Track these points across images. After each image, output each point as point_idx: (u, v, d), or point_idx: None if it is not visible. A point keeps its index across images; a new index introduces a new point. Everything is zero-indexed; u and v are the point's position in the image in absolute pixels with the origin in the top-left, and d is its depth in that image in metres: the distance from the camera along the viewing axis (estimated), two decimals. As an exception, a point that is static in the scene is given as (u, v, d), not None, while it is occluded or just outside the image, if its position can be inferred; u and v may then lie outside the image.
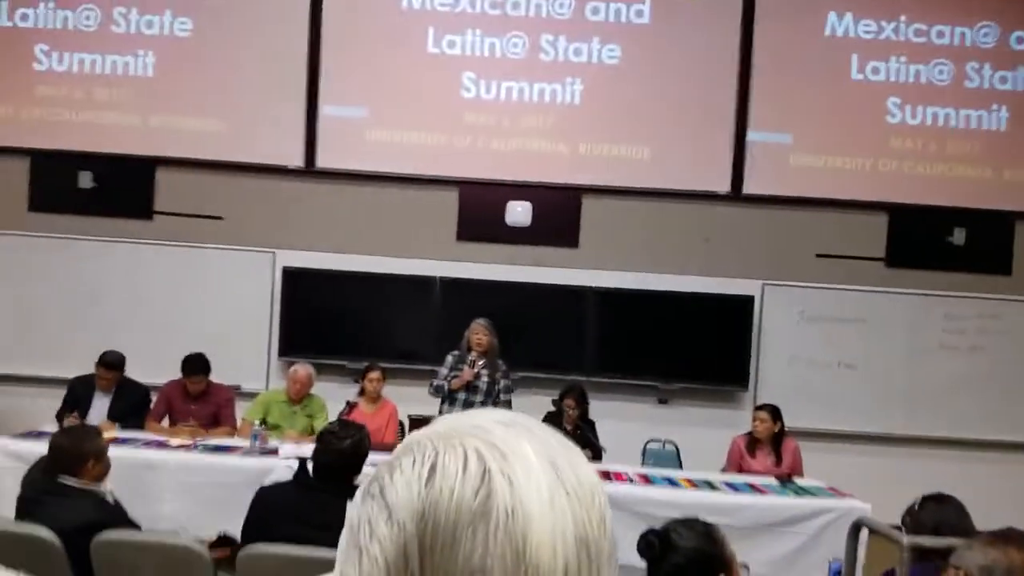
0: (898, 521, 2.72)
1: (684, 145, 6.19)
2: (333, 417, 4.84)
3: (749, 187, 6.20)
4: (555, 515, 0.50)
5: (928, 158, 6.25)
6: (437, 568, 0.48)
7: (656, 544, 1.78)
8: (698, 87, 6.20)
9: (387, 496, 0.51)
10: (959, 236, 6.23)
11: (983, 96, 6.26)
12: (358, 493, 0.54)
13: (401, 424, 5.10)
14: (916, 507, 2.65)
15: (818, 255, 6.23)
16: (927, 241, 6.24)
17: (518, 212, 6.21)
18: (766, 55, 6.18)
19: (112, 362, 4.94)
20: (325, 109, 6.22)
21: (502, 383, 5.00)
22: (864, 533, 2.98)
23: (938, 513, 2.60)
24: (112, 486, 3.08)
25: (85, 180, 6.22)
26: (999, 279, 6.22)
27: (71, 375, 5.11)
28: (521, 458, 0.51)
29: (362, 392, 5.09)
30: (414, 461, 0.52)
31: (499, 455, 0.51)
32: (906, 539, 2.38)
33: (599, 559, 0.51)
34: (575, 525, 0.50)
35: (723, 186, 6.21)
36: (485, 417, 0.55)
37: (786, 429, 4.96)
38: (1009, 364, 6.12)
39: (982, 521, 2.94)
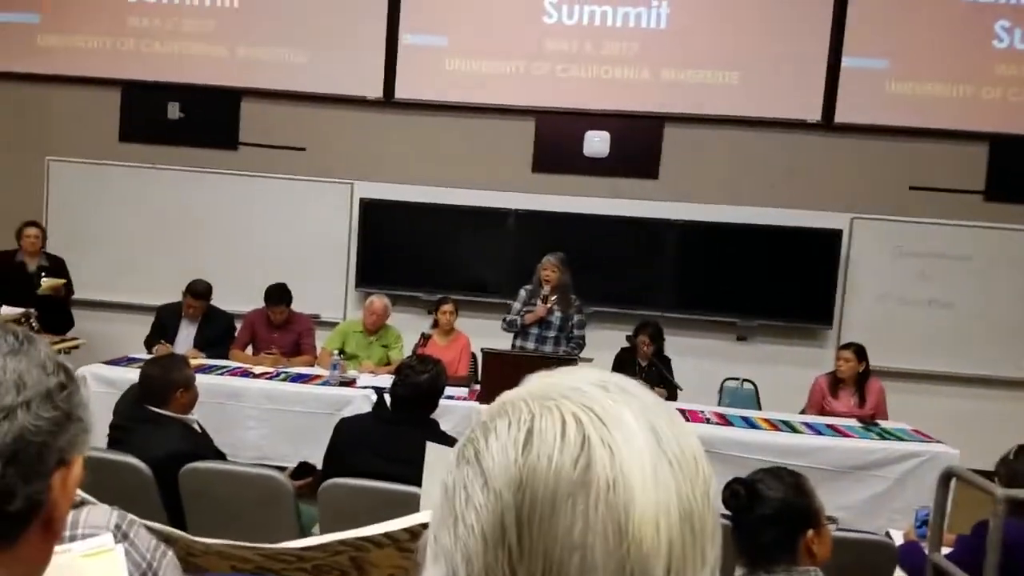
0: (987, 468, 2.64)
1: (774, 71, 5.92)
2: (408, 348, 4.95)
3: (841, 115, 5.92)
4: (658, 487, 0.47)
5: (1037, 85, 5.84)
6: (536, 542, 0.47)
7: (743, 494, 1.75)
8: (791, 8, 5.90)
9: (483, 462, 0.49)
10: (1065, 168, 5.85)
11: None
12: (452, 455, 0.52)
13: (474, 357, 5.16)
14: (1011, 456, 2.57)
15: (912, 187, 5.96)
16: (1031, 174, 5.89)
17: (596, 142, 6.09)
18: (865, -27, 5.82)
19: (200, 291, 5.07)
20: (405, 38, 6.17)
21: (575, 318, 4.97)
22: (954, 482, 2.89)
23: (1035, 463, 2.50)
24: (198, 414, 3.15)
25: (174, 111, 6.38)
26: (1107, 213, 5.85)
27: (158, 302, 5.31)
28: (621, 425, 0.49)
29: (436, 324, 5.15)
30: (509, 424, 0.50)
31: (598, 421, 0.49)
32: (1000, 491, 2.28)
33: (703, 534, 0.49)
34: (679, 498, 0.48)
35: (814, 114, 5.94)
36: (581, 377, 0.52)
37: (871, 369, 4.83)
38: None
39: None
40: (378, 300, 5.16)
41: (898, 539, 3.13)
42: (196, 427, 3.11)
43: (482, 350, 4.61)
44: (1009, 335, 5.87)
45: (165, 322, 5.14)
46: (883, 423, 4.62)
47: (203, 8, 6.32)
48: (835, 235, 5.90)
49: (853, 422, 4.58)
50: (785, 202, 5.96)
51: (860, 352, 4.75)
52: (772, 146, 6.02)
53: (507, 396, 0.53)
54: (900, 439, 4.33)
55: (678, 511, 0.48)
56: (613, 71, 6.04)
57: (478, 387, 4.62)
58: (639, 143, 6.09)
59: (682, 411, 4.53)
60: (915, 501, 3.71)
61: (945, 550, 2.64)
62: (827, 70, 5.89)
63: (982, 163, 5.95)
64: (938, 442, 4.32)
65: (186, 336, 5.11)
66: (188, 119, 6.38)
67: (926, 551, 2.69)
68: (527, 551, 0.47)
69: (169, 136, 6.39)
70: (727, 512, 1.77)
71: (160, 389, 2.96)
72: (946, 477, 2.73)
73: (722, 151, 6.05)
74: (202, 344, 5.06)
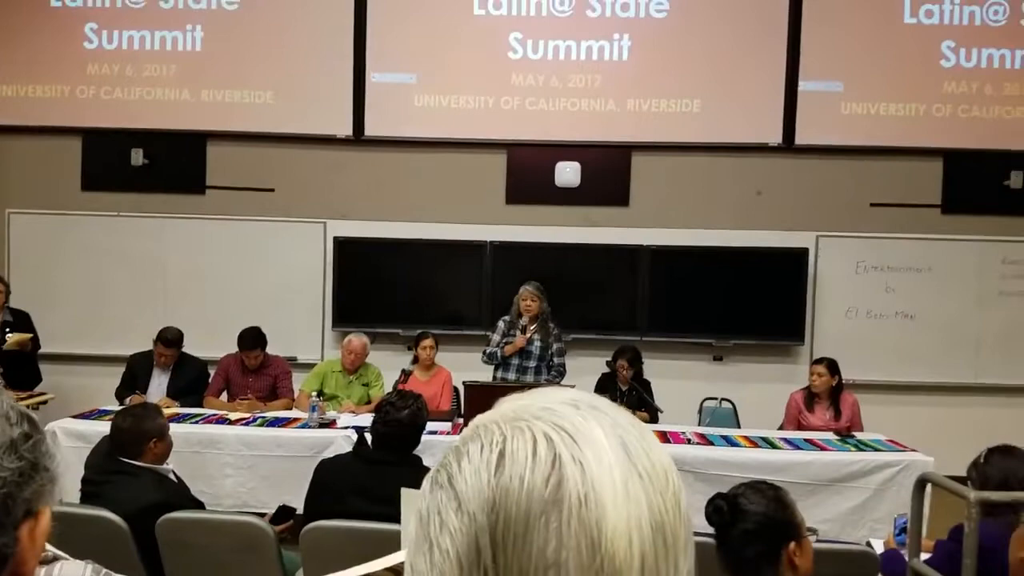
0: (962, 473, 2.70)
1: (734, 97, 6.08)
2: (388, 385, 4.93)
3: (801, 137, 6.10)
4: (629, 501, 0.48)
5: (983, 101, 6.08)
6: (511, 562, 0.46)
7: (725, 509, 1.78)
8: (747, 38, 6.08)
9: (456, 485, 0.49)
10: (1016, 179, 6.09)
11: (1041, 35, 6.05)
12: (425, 482, 0.52)
13: (456, 390, 5.15)
14: (982, 460, 2.61)
15: (872, 204, 6.13)
16: (983, 185, 6.10)
17: (567, 172, 6.19)
18: (816, 2, 6.03)
19: (171, 339, 4.97)
20: (373, 77, 6.22)
21: (555, 346, 5.03)
22: (929, 488, 2.96)
23: (1005, 465, 2.55)
24: (173, 464, 3.11)
25: (137, 157, 6.31)
26: (1058, 222, 6.07)
27: (129, 352, 5.21)
28: (592, 441, 0.49)
29: (416, 360, 5.15)
30: (482, 447, 0.50)
31: (569, 439, 0.49)
32: (973, 494, 2.33)
33: (676, 546, 0.49)
34: (650, 511, 0.48)
35: (775, 137, 6.11)
36: (552, 397, 0.53)
37: (844, 382, 4.93)
38: (1072, 308, 6.00)
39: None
40: (356, 339, 5.13)
41: (879, 548, 3.20)
42: (172, 477, 3.07)
43: (464, 383, 4.62)
44: (969, 343, 6.04)
45: (136, 372, 5.04)
46: (859, 435, 4.70)
47: (164, 52, 6.30)
48: (802, 254, 6.05)
49: (830, 435, 4.66)
50: (752, 224, 6.10)
51: (832, 366, 4.85)
52: (737, 170, 6.17)
53: (479, 420, 0.53)
54: (876, 450, 4.41)
55: (650, 524, 0.48)
56: (580, 103, 6.15)
57: (461, 421, 4.62)
58: (609, 172, 6.20)
59: (663, 433, 4.59)
60: (894, 510, 3.79)
61: (925, 556, 2.71)
62: (785, 94, 6.06)
63: (937, 178, 6.15)
64: (913, 451, 4.40)
65: (159, 385, 5.02)
66: (153, 165, 6.31)
67: (906, 558, 2.75)
68: (502, 571, 0.47)
69: (134, 183, 6.31)
70: (710, 527, 1.80)
71: (133, 440, 2.91)
72: (921, 484, 2.79)
73: (689, 177, 6.19)
74: (175, 392, 4.98)
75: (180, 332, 5.04)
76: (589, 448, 0.49)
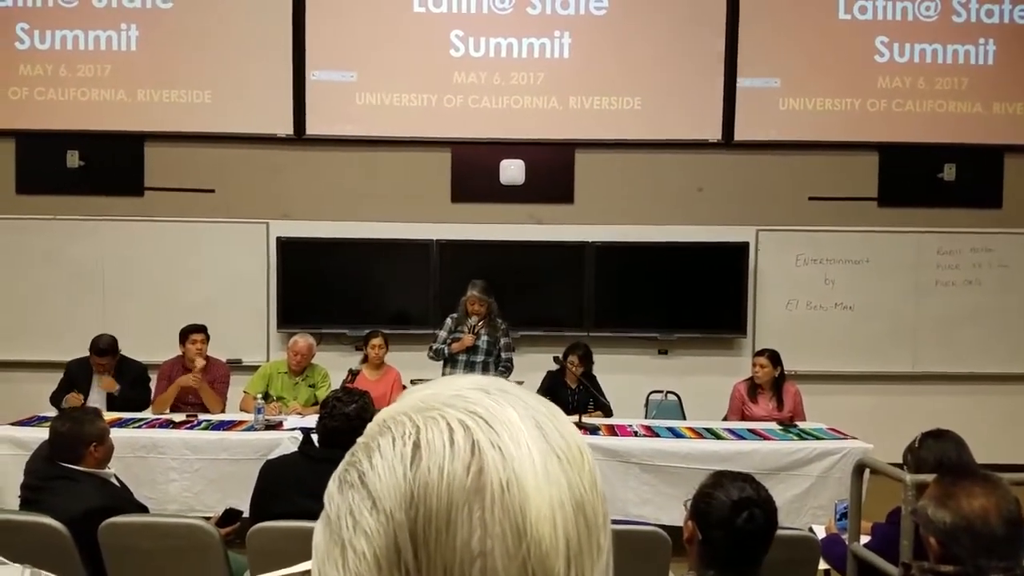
0: (900, 458, 2.78)
1: (674, 95, 6.16)
2: (336, 386, 4.88)
3: (740, 134, 6.20)
4: (551, 483, 0.46)
5: (917, 95, 6.25)
6: (434, 558, 0.45)
7: (759, 516, 1.77)
8: (686, 35, 6.16)
9: (369, 483, 0.47)
10: (949, 172, 6.27)
11: (970, 31, 6.24)
12: (332, 483, 0.50)
13: (405, 389, 5.12)
14: (916, 444, 2.68)
15: (811, 198, 6.26)
16: (918, 178, 6.27)
17: (511, 170, 6.20)
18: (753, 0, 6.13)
19: (104, 348, 4.82)
20: (313, 75, 6.14)
21: (502, 341, 5.04)
22: (867, 473, 3.03)
23: (937, 449, 2.62)
24: (116, 469, 3.05)
25: (73, 159, 6.15)
26: (990, 213, 6.27)
27: (69, 357, 5.05)
28: (508, 425, 0.47)
29: (365, 359, 5.11)
30: (393, 440, 0.47)
31: (485, 424, 0.47)
32: (908, 477, 2.41)
33: (596, 524, 0.48)
34: (571, 491, 0.47)
35: (714, 134, 6.20)
36: (462, 384, 0.51)
37: (786, 373, 5.03)
38: (1004, 296, 6.21)
39: (985, 452, 3.03)
40: (302, 339, 5.06)
41: (821, 533, 3.27)
42: (114, 481, 3.00)
43: (411, 381, 4.58)
44: (907, 333, 6.21)
45: (75, 376, 4.89)
46: (801, 424, 4.80)
47: (98, 52, 6.14)
48: (743, 248, 6.15)
49: (773, 425, 4.75)
50: (694, 219, 6.18)
51: (774, 357, 4.94)
52: (679, 166, 6.25)
53: (386, 412, 0.50)
54: (818, 438, 4.50)
55: (571, 504, 0.47)
56: (523, 100, 6.17)
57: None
58: (553, 169, 6.23)
59: (611, 426, 4.62)
60: (836, 496, 3.87)
61: (865, 538, 2.77)
62: (724, 91, 6.16)
63: (873, 171, 6.31)
64: (853, 438, 4.50)
65: (100, 392, 4.88)
66: (89, 167, 6.15)
67: (847, 542, 2.81)
68: (425, 568, 0.45)
69: (70, 185, 6.14)
70: (743, 532, 1.76)
71: (72, 444, 2.86)
72: (859, 469, 2.86)
73: (632, 173, 6.24)
74: (116, 397, 4.84)
75: (113, 339, 4.90)
76: (506, 432, 0.47)
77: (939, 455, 2.61)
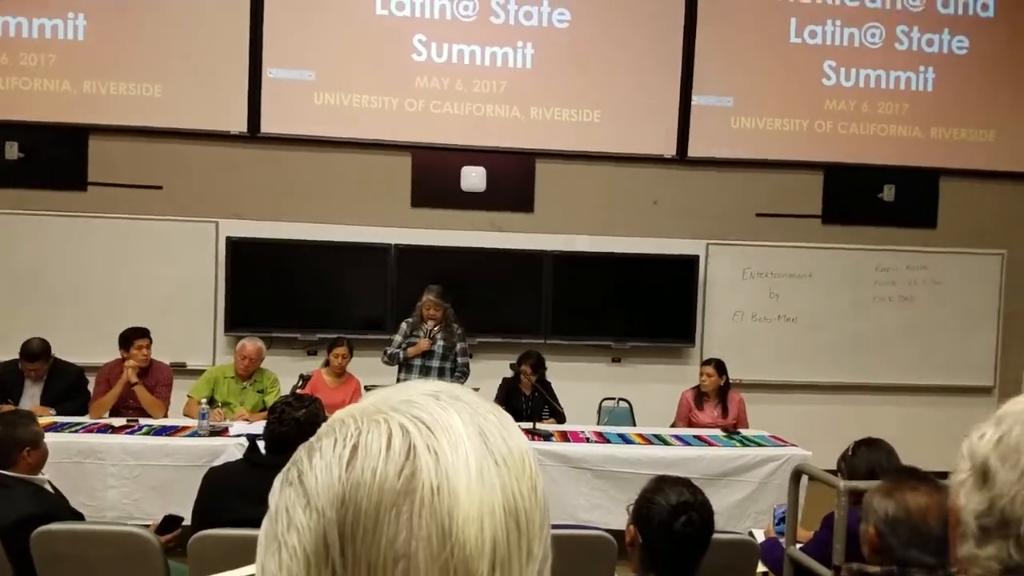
0: (836, 466, 2.88)
1: (632, 109, 6.28)
2: (286, 392, 4.81)
3: (693, 150, 6.35)
4: (484, 488, 0.47)
5: (860, 118, 6.49)
6: (359, 555, 0.46)
7: (696, 519, 1.83)
8: (645, 53, 6.28)
9: (305, 482, 0.48)
10: (889, 192, 6.54)
11: (912, 58, 6.52)
12: (276, 481, 0.51)
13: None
14: (850, 452, 2.81)
15: (758, 214, 6.45)
16: (860, 198, 6.53)
17: (473, 177, 6.22)
18: (710, 20, 6.29)
19: (35, 352, 4.65)
20: (270, 72, 6.06)
21: (459, 346, 5.04)
22: (804, 479, 3.14)
23: (870, 456, 2.75)
24: (50, 475, 2.97)
25: (12, 150, 5.95)
26: (925, 232, 6.56)
27: (8, 358, 4.85)
28: (448, 430, 0.49)
29: (327, 364, 5.04)
30: (335, 442, 0.49)
31: (426, 429, 0.48)
32: (842, 483, 2.51)
33: (530, 529, 0.49)
34: (504, 496, 0.48)
35: (669, 149, 6.34)
36: (414, 390, 0.52)
37: (731, 382, 5.18)
38: (936, 312, 6.50)
39: (917, 460, 3.15)
40: (250, 343, 4.95)
41: (760, 537, 3.37)
42: (48, 487, 2.92)
43: (366, 387, 4.56)
44: (847, 345, 6.44)
45: (6, 383, 4.69)
46: (744, 431, 4.96)
47: (43, 41, 5.93)
48: (693, 260, 6.30)
49: (717, 432, 4.89)
50: (648, 231, 6.31)
51: (720, 367, 5.09)
52: (634, 179, 6.37)
53: (338, 415, 0.52)
54: (760, 445, 4.65)
55: (503, 509, 0.48)
56: (485, 108, 6.20)
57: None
58: (514, 178, 6.28)
59: (564, 433, 4.69)
60: (776, 501, 3.98)
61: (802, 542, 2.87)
62: (679, 108, 6.30)
63: (818, 190, 6.53)
64: (793, 445, 4.66)
65: (32, 396, 4.72)
66: (29, 159, 5.95)
67: (784, 545, 2.91)
68: (351, 566, 0.46)
69: (8, 178, 5.93)
70: (681, 536, 1.81)
71: (4, 449, 2.79)
72: (796, 475, 2.96)
73: (590, 185, 6.33)
74: (51, 401, 4.69)
75: (45, 342, 4.72)
76: (445, 437, 0.48)
77: (871, 463, 2.73)
